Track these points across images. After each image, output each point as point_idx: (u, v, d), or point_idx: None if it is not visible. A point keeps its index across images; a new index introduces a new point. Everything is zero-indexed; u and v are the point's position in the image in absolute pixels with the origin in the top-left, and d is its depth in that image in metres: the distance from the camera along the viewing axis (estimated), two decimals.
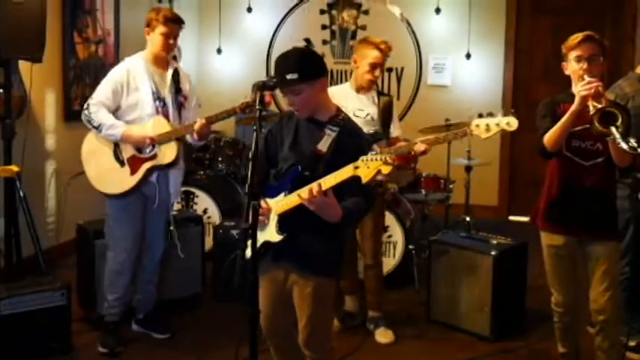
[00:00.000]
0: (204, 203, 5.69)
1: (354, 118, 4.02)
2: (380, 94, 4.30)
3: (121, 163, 3.94)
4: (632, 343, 3.75)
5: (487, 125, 3.73)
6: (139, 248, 4.06)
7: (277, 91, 2.88)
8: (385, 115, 4.27)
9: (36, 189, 5.23)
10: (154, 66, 3.98)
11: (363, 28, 7.91)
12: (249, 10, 8.05)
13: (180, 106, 4.02)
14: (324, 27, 8.03)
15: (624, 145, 2.75)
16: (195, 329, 4.29)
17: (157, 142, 3.86)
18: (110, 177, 3.95)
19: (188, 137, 4.02)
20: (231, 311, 4.34)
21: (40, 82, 5.07)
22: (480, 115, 3.78)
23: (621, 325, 3.51)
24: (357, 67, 4.12)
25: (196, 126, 3.83)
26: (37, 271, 4.24)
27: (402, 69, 7.85)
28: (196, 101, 4.17)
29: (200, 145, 4.25)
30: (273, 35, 8.11)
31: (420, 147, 4.11)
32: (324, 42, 7.99)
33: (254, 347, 2.52)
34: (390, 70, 7.82)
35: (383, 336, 4.22)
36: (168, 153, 3.89)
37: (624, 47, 7.18)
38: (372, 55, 4.07)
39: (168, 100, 3.97)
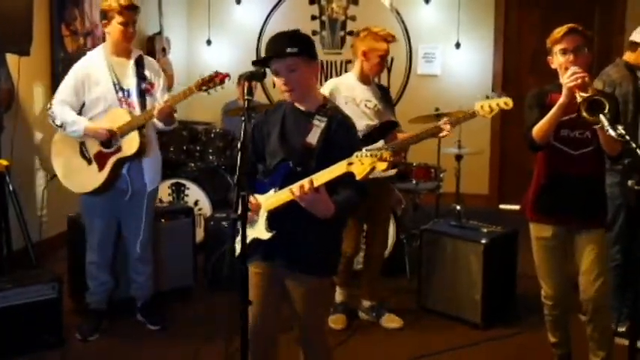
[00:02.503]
0: (195, 195, 5.69)
1: (365, 110, 4.08)
2: (377, 85, 4.33)
3: (89, 161, 3.92)
4: (621, 329, 3.77)
5: (490, 106, 3.91)
6: (114, 240, 4.09)
7: (266, 81, 2.85)
8: (389, 104, 4.33)
9: (25, 183, 5.21)
10: (116, 57, 3.96)
11: (353, 18, 7.91)
12: (238, 1, 8.03)
13: (144, 94, 3.96)
14: (313, 18, 8.02)
15: (612, 133, 2.75)
16: (187, 320, 4.30)
17: (118, 134, 3.82)
18: (79, 175, 3.95)
19: (158, 124, 3.97)
20: (222, 302, 4.33)
21: (28, 76, 5.04)
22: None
23: (611, 312, 3.53)
24: (366, 59, 4.12)
25: (155, 110, 3.76)
26: (27, 264, 4.24)
27: (392, 59, 7.83)
28: (164, 85, 4.10)
29: (168, 130, 4.15)
30: (263, 26, 8.10)
31: (447, 126, 4.11)
32: (314, 33, 7.97)
33: (245, 338, 2.52)
34: None
35: (392, 321, 4.26)
36: (130, 144, 3.84)
37: (614, 39, 7.19)
38: (382, 47, 4.10)
39: (132, 89, 3.94)
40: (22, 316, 3.70)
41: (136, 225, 4.05)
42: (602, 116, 2.80)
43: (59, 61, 5.66)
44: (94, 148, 3.90)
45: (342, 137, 2.66)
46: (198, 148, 6.03)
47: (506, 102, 3.90)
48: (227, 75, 3.79)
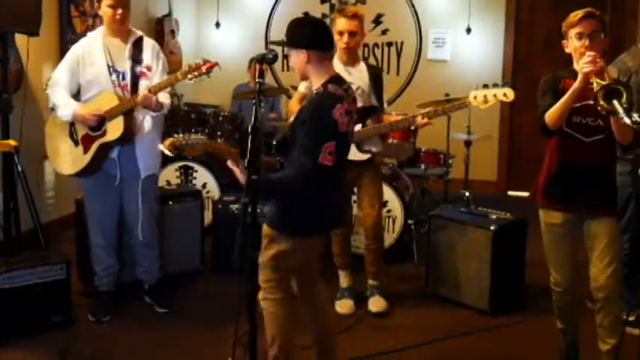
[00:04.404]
0: (204, 178, 5.69)
1: None
2: (369, 66, 4.26)
3: (76, 143, 3.94)
4: (631, 318, 3.76)
5: (485, 96, 3.70)
6: (115, 223, 4.10)
7: (275, 65, 2.93)
8: (376, 87, 4.21)
9: (34, 163, 5.21)
10: (112, 38, 3.93)
11: (363, 2, 7.84)
12: None
13: (137, 77, 3.90)
14: (323, 1, 7.96)
15: (627, 120, 2.72)
16: (194, 303, 4.31)
17: (106, 117, 3.79)
18: (66, 156, 3.97)
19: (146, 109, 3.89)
20: (230, 285, 4.34)
21: (37, 56, 5.03)
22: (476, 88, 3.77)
23: (621, 302, 3.51)
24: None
25: (139, 98, 3.73)
26: (36, 246, 4.25)
27: (402, 43, 7.79)
28: (163, 69, 4.02)
29: (161, 114, 4.02)
30: (272, 9, 8.04)
31: (421, 121, 3.99)
32: (324, 16, 7.90)
33: (253, 321, 2.53)
34: (389, 44, 7.78)
35: (375, 305, 4.22)
36: (115, 129, 3.80)
37: (626, 23, 7.11)
38: (339, 23, 4.05)
39: (127, 72, 3.90)
40: (31, 297, 3.72)
41: (134, 210, 4.03)
42: (615, 103, 2.77)
43: (68, 41, 5.62)
44: (82, 130, 3.90)
45: (303, 113, 2.81)
46: (206, 130, 6.01)
47: (505, 93, 3.63)
48: (215, 64, 3.69)
